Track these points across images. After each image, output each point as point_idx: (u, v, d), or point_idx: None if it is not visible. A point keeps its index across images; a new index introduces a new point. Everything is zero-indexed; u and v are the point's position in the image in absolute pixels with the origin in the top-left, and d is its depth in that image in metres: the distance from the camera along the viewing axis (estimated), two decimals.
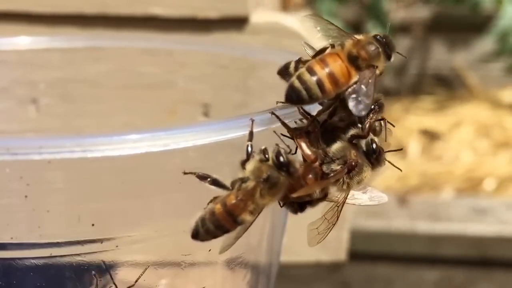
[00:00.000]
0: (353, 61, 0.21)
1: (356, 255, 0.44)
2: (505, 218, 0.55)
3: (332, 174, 0.21)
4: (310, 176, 0.20)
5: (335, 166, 0.21)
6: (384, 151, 0.22)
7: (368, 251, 0.51)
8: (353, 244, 0.39)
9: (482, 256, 0.52)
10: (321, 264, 0.39)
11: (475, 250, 0.52)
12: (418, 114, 0.78)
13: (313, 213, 0.22)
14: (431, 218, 0.54)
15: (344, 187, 0.21)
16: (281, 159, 0.20)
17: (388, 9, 0.77)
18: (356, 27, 0.73)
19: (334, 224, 0.22)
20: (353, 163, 0.21)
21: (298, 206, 0.22)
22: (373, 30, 0.74)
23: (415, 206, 0.56)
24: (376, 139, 0.22)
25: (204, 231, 0.20)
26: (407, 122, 0.75)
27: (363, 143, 0.21)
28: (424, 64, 0.85)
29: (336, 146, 0.21)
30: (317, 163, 0.21)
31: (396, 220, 0.53)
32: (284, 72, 0.22)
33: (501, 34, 0.78)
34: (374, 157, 0.21)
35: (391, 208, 0.55)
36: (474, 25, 0.81)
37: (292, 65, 0.22)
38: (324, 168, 0.21)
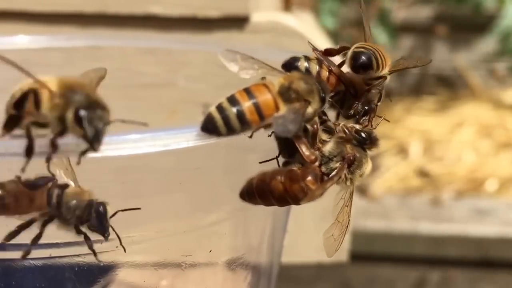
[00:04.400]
0: (284, 93, 0.20)
1: (357, 256, 0.44)
2: (507, 219, 0.55)
3: (333, 173, 0.20)
4: (310, 177, 0.20)
5: (334, 164, 0.21)
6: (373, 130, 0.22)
7: (370, 252, 0.51)
8: (354, 245, 0.39)
9: (484, 257, 0.52)
10: (322, 265, 0.39)
11: (477, 251, 0.52)
12: (419, 114, 0.77)
13: (312, 213, 0.22)
14: (432, 219, 0.54)
15: (348, 183, 0.21)
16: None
17: (390, 9, 0.76)
18: (358, 26, 0.73)
19: (347, 226, 0.22)
20: (351, 157, 0.21)
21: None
22: (375, 29, 0.73)
23: (416, 207, 0.56)
24: (359, 127, 0.21)
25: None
26: (408, 122, 0.75)
27: (352, 135, 0.21)
28: (426, 64, 0.84)
29: (330, 145, 0.21)
30: (316, 164, 0.20)
31: (397, 221, 0.53)
32: (291, 67, 0.22)
33: (503, 34, 0.78)
34: (368, 142, 0.21)
35: (392, 209, 0.55)
36: (476, 25, 0.81)
37: (302, 63, 0.22)
38: (323, 168, 0.21)
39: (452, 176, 0.65)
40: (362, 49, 0.22)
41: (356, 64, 0.22)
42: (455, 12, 0.82)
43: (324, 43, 0.39)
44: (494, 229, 0.53)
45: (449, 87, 0.84)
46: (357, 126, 0.22)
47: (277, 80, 0.20)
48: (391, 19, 0.75)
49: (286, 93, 0.20)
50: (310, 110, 0.20)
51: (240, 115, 0.19)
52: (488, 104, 0.79)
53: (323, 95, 0.20)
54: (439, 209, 0.56)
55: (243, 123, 0.19)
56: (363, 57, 0.22)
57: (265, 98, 0.19)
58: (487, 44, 0.81)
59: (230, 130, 0.19)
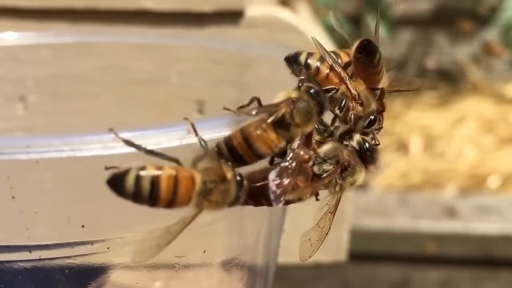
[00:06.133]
0: (284, 127, 0.19)
1: (357, 255, 0.44)
2: (511, 216, 0.54)
3: (324, 175, 0.20)
4: (301, 176, 0.20)
5: (327, 167, 0.20)
6: (378, 147, 0.21)
7: (370, 251, 0.51)
8: (354, 244, 0.39)
9: (487, 255, 0.52)
10: (320, 265, 0.38)
11: (479, 250, 0.52)
12: (420, 109, 0.77)
13: (310, 212, 0.21)
14: (434, 217, 0.54)
15: (337, 188, 0.21)
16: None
17: (389, 1, 0.76)
18: (356, 20, 0.72)
19: (327, 233, 0.21)
20: (346, 163, 0.20)
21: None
22: (373, 23, 0.73)
23: (417, 204, 0.55)
24: (367, 138, 0.21)
25: None
26: (408, 118, 0.74)
27: (354, 142, 0.21)
28: (426, 58, 0.84)
29: (327, 146, 0.21)
30: (310, 163, 0.20)
31: (398, 219, 0.53)
32: (293, 60, 0.22)
33: (505, 26, 0.77)
34: (368, 155, 0.21)
35: (392, 206, 0.55)
36: (477, 17, 0.80)
37: (303, 56, 0.22)
38: (315, 169, 0.20)
39: (454, 172, 0.65)
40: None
41: (362, 45, 0.22)
42: (455, 5, 0.81)
43: (321, 38, 0.38)
44: (498, 226, 0.52)
45: (450, 81, 0.83)
46: (365, 136, 0.21)
47: (280, 111, 0.19)
48: (390, 12, 0.75)
49: (286, 127, 0.19)
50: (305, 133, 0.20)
51: (239, 160, 0.19)
52: (490, 98, 0.79)
53: (321, 110, 0.20)
54: (441, 207, 0.55)
55: (243, 164, 0.19)
56: (371, 43, 0.22)
57: (261, 139, 0.19)
58: (488, 37, 0.81)
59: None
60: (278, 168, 0.19)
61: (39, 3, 0.36)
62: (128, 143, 0.18)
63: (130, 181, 0.18)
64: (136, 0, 0.36)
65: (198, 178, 0.18)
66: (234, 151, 0.19)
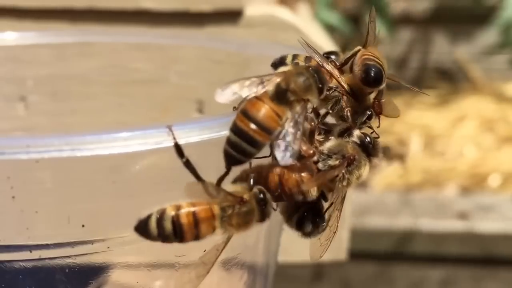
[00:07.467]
0: (281, 97, 0.19)
1: (357, 254, 0.44)
2: (511, 214, 0.54)
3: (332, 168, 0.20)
4: (306, 172, 0.20)
5: (333, 162, 0.20)
6: (377, 138, 0.21)
7: (370, 250, 0.51)
8: (354, 242, 0.39)
9: (487, 254, 0.52)
10: (321, 264, 0.38)
11: (480, 248, 0.52)
12: (420, 109, 0.77)
13: None
14: (434, 216, 0.54)
15: (344, 183, 0.21)
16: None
17: (388, 0, 0.76)
18: (356, 19, 0.72)
19: (335, 232, 0.21)
20: (352, 157, 0.20)
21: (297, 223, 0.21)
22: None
23: (418, 203, 0.55)
24: (367, 131, 0.21)
25: None
26: (408, 117, 0.74)
27: (355, 137, 0.21)
28: (426, 57, 0.84)
29: (331, 143, 0.21)
30: (314, 158, 0.20)
31: (398, 218, 0.53)
32: (279, 64, 0.22)
33: (505, 25, 0.77)
34: (371, 148, 0.21)
35: (393, 205, 0.55)
36: (477, 16, 0.80)
37: (289, 59, 0.22)
38: (320, 165, 0.20)
39: (454, 171, 0.65)
40: (372, 62, 0.22)
41: (369, 79, 0.21)
42: (455, 4, 0.81)
43: (321, 37, 0.38)
44: (498, 225, 0.52)
45: (450, 80, 0.83)
46: (365, 130, 0.21)
47: (274, 82, 0.19)
48: (389, 11, 0.74)
49: (283, 96, 0.19)
50: (309, 106, 0.20)
51: (250, 141, 0.19)
52: (490, 97, 0.79)
53: (321, 85, 0.20)
54: (441, 206, 0.55)
55: (256, 146, 0.19)
56: (376, 72, 0.21)
57: (264, 113, 0.19)
58: (488, 36, 0.81)
59: (249, 155, 0.19)
60: (282, 132, 0.19)
61: (39, 3, 0.36)
62: (177, 146, 0.19)
63: (152, 224, 0.19)
64: (136, 0, 0.36)
65: (215, 207, 0.19)
66: (241, 133, 0.19)
